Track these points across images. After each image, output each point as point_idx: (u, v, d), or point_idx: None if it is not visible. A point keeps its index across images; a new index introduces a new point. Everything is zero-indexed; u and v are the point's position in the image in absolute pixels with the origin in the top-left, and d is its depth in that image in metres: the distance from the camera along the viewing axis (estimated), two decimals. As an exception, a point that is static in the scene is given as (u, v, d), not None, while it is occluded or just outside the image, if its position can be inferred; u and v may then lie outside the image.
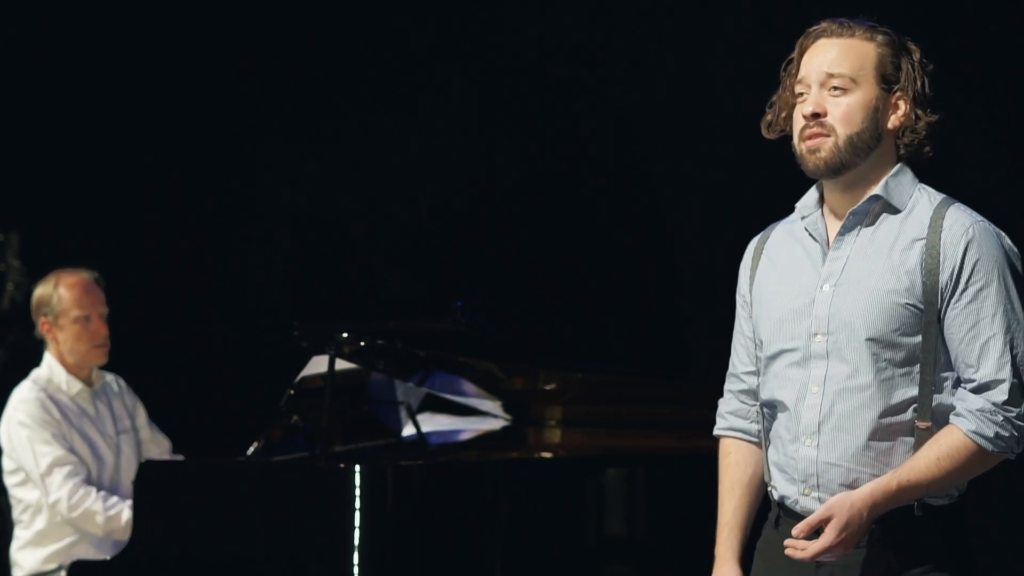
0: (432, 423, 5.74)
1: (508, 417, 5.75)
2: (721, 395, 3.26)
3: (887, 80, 2.97)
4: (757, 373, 3.13)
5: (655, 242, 6.88)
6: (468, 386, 5.57)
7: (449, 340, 5.17)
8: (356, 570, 4.35)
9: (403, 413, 5.61)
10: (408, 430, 5.56)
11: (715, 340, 6.60)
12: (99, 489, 5.00)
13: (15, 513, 5.10)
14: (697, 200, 6.68)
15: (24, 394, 5.07)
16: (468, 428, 5.83)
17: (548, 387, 5.56)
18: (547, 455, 5.59)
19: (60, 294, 5.11)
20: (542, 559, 4.78)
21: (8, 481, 5.08)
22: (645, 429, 5.54)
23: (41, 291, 5.16)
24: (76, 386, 5.12)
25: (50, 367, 5.13)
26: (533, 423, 5.68)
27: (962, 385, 2.93)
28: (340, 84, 7.02)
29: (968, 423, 2.89)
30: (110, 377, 5.28)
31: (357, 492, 4.38)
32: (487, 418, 5.79)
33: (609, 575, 5.05)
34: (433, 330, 5.25)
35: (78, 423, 5.08)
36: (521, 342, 6.06)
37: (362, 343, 4.89)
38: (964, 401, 2.92)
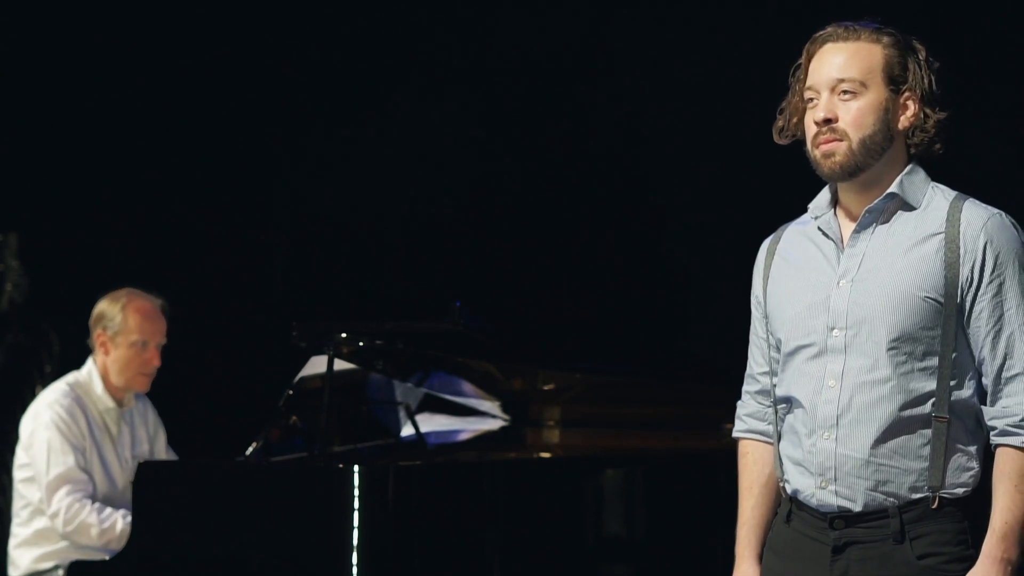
0: (431, 423, 5.74)
1: (507, 417, 5.75)
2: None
3: (895, 81, 3.00)
4: (772, 373, 3.16)
5: (654, 242, 6.88)
6: (467, 386, 5.57)
7: (448, 340, 5.18)
8: (355, 570, 4.36)
9: (402, 413, 5.61)
10: (407, 430, 5.57)
11: (714, 340, 6.63)
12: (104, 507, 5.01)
13: (15, 507, 5.09)
14: (697, 201, 6.68)
15: (58, 397, 5.07)
16: (467, 428, 5.83)
17: (546, 387, 5.57)
18: (546, 455, 5.60)
19: (126, 316, 5.13)
20: (541, 559, 4.78)
21: (16, 475, 5.08)
22: (644, 429, 5.55)
23: (107, 306, 5.16)
24: (108, 403, 5.13)
25: (91, 376, 5.14)
26: (532, 423, 5.69)
27: (989, 392, 2.96)
28: (339, 85, 7.02)
29: (1018, 437, 2.93)
30: (141, 400, 5.29)
31: (356, 492, 4.38)
32: (486, 418, 5.80)
33: (607, 575, 5.06)
34: (432, 330, 5.25)
35: (100, 439, 5.09)
36: (519, 342, 6.06)
37: (361, 343, 4.89)
38: (1001, 417, 2.95)
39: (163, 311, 5.22)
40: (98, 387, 5.12)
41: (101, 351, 5.14)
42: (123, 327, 5.13)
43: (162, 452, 5.30)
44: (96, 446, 5.06)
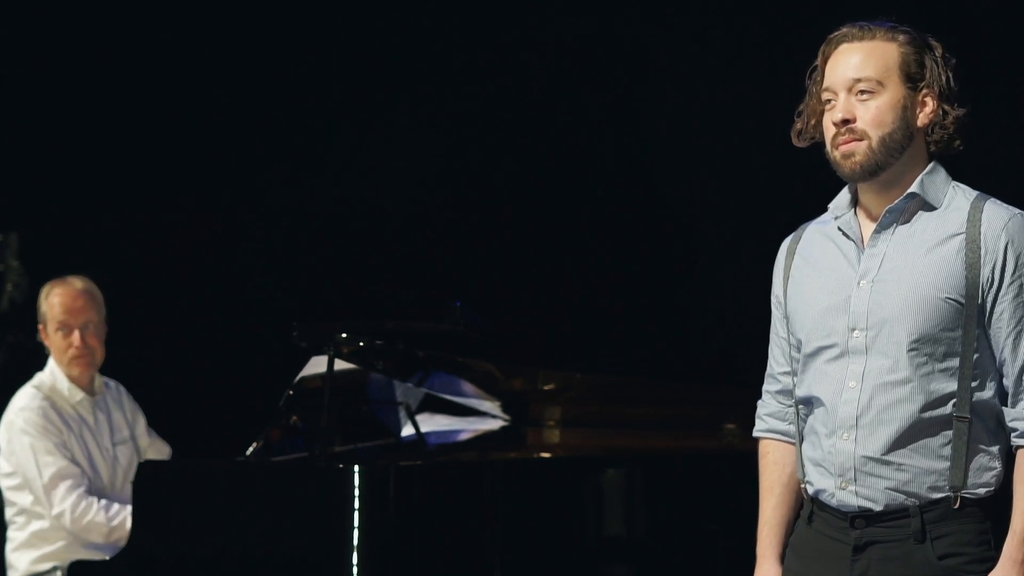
0: (431, 423, 5.74)
1: (507, 417, 5.75)
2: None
3: (912, 79, 3.00)
4: (792, 373, 3.15)
5: (657, 241, 6.88)
6: (467, 386, 5.57)
7: (448, 340, 5.18)
8: (355, 570, 4.36)
9: (402, 413, 5.61)
10: (407, 430, 5.57)
11: (715, 340, 6.63)
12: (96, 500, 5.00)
13: (8, 514, 5.09)
14: (700, 200, 6.68)
15: (26, 401, 5.05)
16: (467, 428, 5.83)
17: (547, 387, 5.57)
18: (546, 455, 5.60)
19: (49, 303, 5.13)
20: (541, 559, 4.78)
21: (3, 483, 5.08)
22: (644, 429, 5.55)
23: (39, 301, 5.18)
24: (78, 395, 5.12)
25: (53, 373, 5.13)
26: (532, 423, 5.69)
27: (1009, 393, 2.95)
28: (339, 83, 7.02)
29: None
30: (112, 385, 5.27)
31: (356, 492, 4.38)
32: (486, 418, 5.80)
33: (607, 575, 5.06)
34: (432, 330, 5.25)
35: (78, 431, 5.08)
36: (520, 342, 6.06)
37: (361, 343, 4.89)
38: (1021, 419, 2.94)
39: (88, 292, 5.18)
40: (63, 382, 5.11)
41: (48, 345, 5.15)
42: (48, 316, 5.13)
43: (143, 436, 5.28)
44: (76, 440, 5.05)
